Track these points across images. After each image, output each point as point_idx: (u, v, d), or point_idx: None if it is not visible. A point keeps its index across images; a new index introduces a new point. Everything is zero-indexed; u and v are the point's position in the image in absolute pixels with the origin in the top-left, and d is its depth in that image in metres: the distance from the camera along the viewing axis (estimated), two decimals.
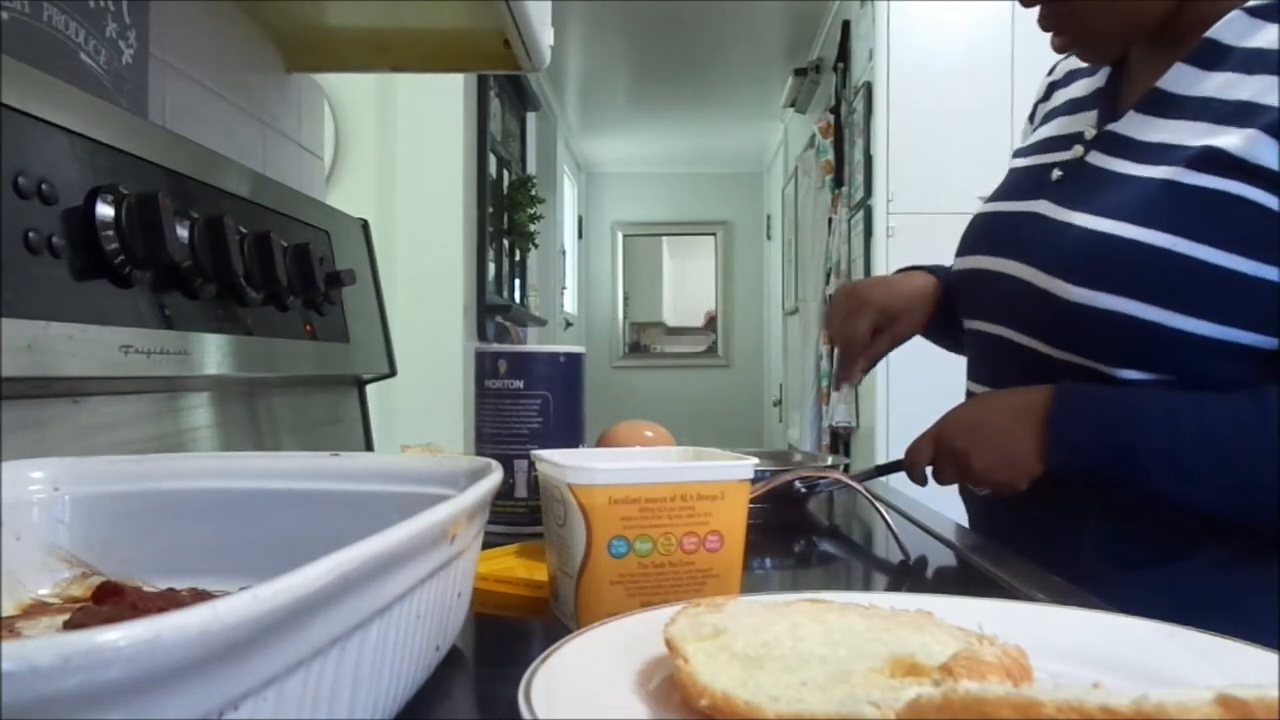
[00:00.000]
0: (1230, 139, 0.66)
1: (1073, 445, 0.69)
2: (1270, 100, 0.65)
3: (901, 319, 0.92)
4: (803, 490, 0.81)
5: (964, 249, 0.87)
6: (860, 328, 0.90)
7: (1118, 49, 0.78)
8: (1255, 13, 0.70)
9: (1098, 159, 0.76)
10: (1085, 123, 0.80)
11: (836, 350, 0.94)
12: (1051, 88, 0.92)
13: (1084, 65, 0.86)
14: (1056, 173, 0.79)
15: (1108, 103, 0.80)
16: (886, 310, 0.91)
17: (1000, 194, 0.86)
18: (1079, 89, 0.85)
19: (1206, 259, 0.66)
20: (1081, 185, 0.76)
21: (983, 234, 0.85)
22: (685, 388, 6.81)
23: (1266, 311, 0.66)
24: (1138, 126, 0.74)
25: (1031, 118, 0.95)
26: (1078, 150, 0.78)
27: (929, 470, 0.77)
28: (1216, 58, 0.71)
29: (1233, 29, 0.70)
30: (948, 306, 0.91)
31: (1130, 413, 0.68)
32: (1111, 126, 0.76)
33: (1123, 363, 0.70)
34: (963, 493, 0.86)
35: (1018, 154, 0.88)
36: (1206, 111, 0.69)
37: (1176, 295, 0.66)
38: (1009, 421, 0.72)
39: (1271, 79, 0.66)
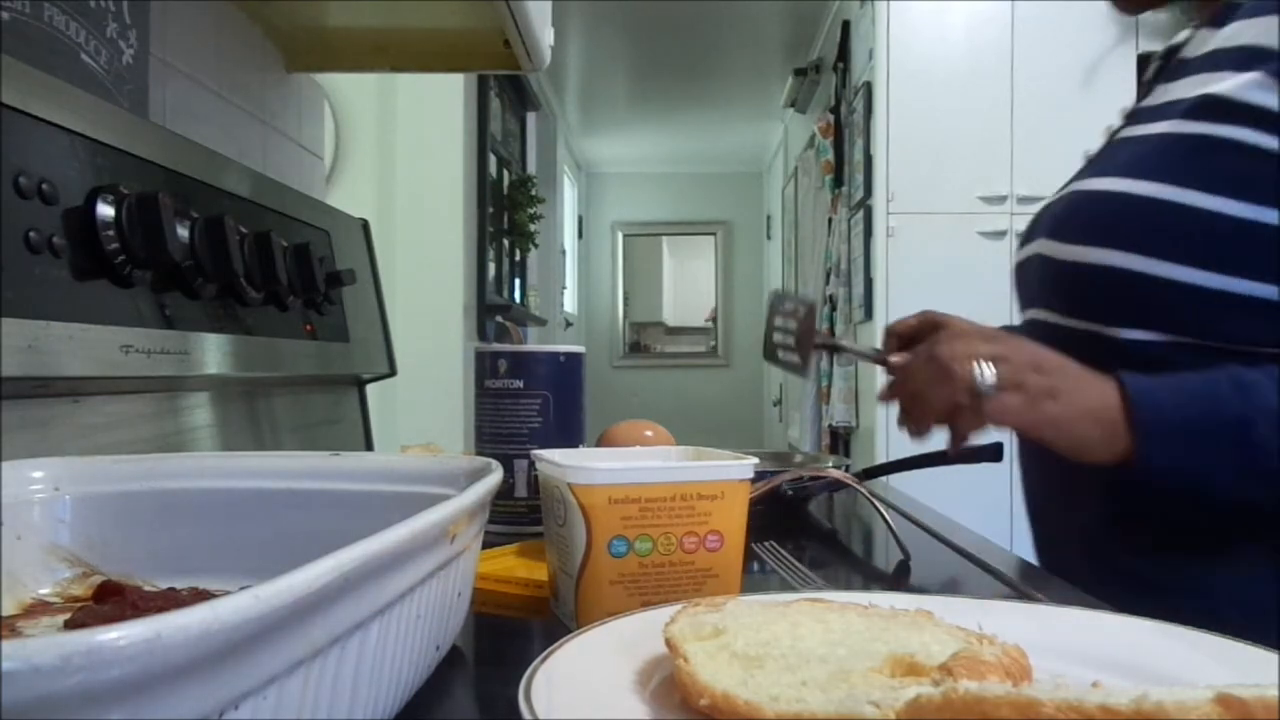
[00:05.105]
0: (1227, 84, 0.65)
1: (1169, 423, 0.61)
2: (1270, 42, 0.63)
3: None
4: (803, 491, 0.81)
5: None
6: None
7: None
8: None
9: (1122, 133, 0.76)
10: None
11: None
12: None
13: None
14: (1090, 152, 0.80)
15: (1148, 83, 0.80)
16: None
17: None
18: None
19: (1198, 205, 0.63)
20: (1098, 158, 0.77)
21: (1028, 226, 0.83)
22: (685, 388, 6.81)
23: (1267, 257, 0.62)
24: (1158, 95, 0.74)
25: None
26: (1111, 128, 0.79)
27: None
28: (1229, 13, 0.69)
29: None
30: None
31: (1207, 385, 0.61)
32: (1141, 103, 0.77)
33: (1122, 321, 0.67)
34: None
35: None
36: (1208, 63, 0.68)
37: (1169, 244, 0.64)
38: (1087, 386, 0.63)
39: (1273, 20, 0.64)
